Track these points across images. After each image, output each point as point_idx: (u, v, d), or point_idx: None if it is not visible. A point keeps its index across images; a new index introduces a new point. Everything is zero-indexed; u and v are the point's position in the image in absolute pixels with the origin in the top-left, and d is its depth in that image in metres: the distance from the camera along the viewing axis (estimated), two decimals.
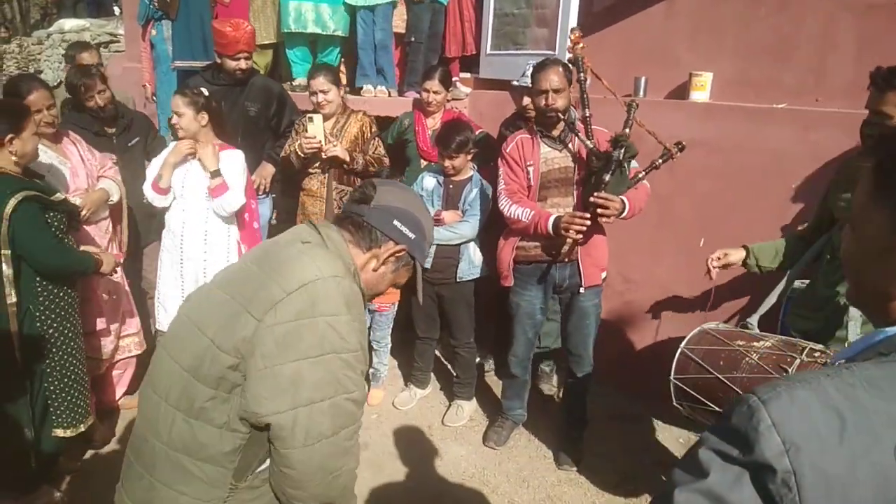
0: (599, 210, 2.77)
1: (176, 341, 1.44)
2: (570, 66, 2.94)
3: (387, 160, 3.91)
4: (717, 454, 0.75)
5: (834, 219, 2.42)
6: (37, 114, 2.89)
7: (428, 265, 3.35)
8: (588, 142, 2.88)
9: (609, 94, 2.91)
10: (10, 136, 2.55)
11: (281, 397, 1.29)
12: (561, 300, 3.26)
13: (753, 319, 2.47)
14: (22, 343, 2.64)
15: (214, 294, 1.44)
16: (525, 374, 3.43)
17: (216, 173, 3.27)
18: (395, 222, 1.47)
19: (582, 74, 2.84)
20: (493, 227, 3.51)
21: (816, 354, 2.02)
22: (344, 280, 1.40)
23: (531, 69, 3.50)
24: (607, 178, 2.77)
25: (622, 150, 2.72)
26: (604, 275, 3.16)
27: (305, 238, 1.45)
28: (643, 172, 2.85)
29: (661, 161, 2.77)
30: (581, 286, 3.07)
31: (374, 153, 3.82)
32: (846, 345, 2.16)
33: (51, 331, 2.72)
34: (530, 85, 3.47)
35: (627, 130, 2.80)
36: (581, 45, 2.82)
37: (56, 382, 2.77)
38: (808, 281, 2.54)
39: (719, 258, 2.64)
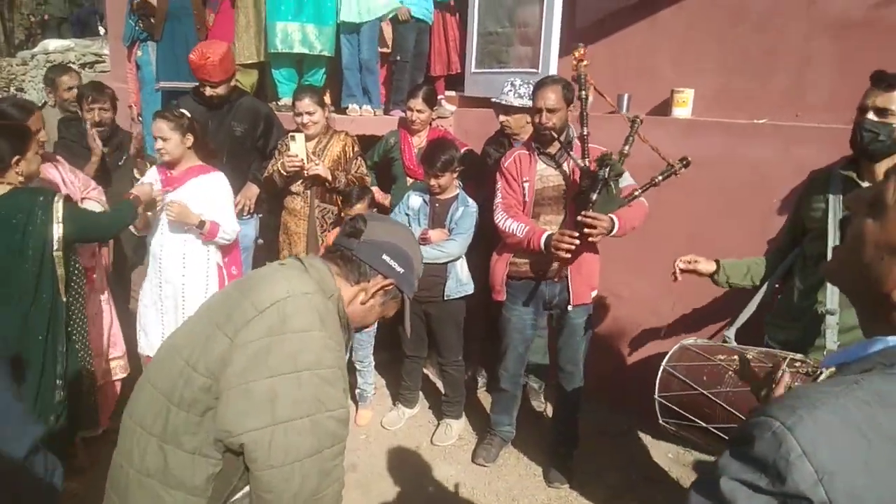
0: (587, 229, 2.78)
1: (156, 366, 1.44)
2: (571, 84, 2.96)
3: (369, 179, 3.93)
4: (742, 484, 0.73)
5: (806, 229, 2.43)
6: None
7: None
8: (579, 161, 2.90)
9: (611, 110, 2.93)
10: (16, 157, 2.61)
11: (255, 415, 1.27)
12: (551, 317, 3.28)
13: (731, 333, 2.48)
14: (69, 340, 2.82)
15: (194, 318, 1.45)
16: (515, 388, 3.43)
17: (202, 224, 3.24)
18: (385, 256, 1.48)
19: (583, 92, 2.85)
20: (483, 243, 3.52)
21: (798, 364, 2.03)
22: (315, 296, 1.39)
23: (509, 87, 3.54)
24: (594, 196, 2.78)
25: (608, 169, 2.74)
26: (594, 293, 3.17)
27: (285, 263, 1.47)
28: (640, 190, 2.84)
29: (660, 178, 2.76)
30: (570, 303, 3.08)
31: (356, 172, 3.84)
32: (825, 353, 2.18)
33: (81, 334, 2.96)
34: (510, 104, 3.52)
35: (627, 148, 2.81)
36: (585, 62, 2.83)
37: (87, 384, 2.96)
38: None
39: (688, 262, 2.62)
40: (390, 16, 4.57)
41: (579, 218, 2.79)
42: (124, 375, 3.54)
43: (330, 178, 3.70)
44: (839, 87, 3.18)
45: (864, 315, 0.88)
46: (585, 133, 2.89)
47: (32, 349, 2.68)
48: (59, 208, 2.65)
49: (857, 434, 0.69)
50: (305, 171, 3.68)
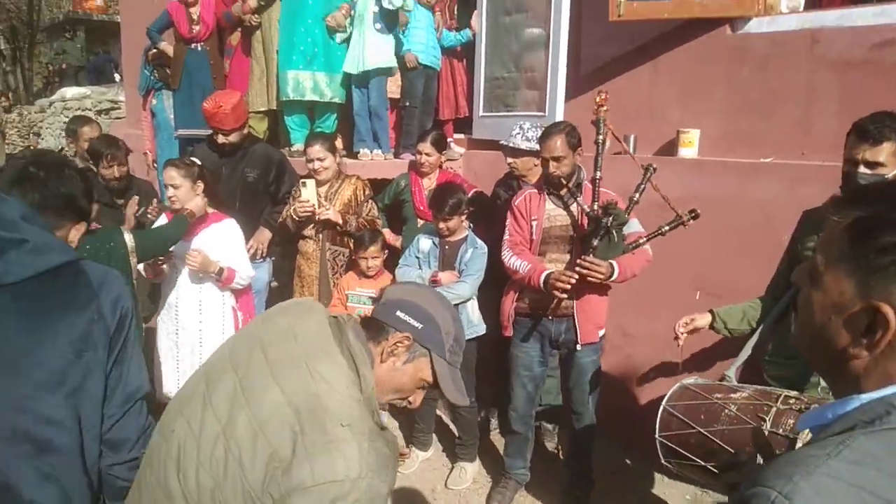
0: (585, 273, 2.84)
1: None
2: (575, 130, 3.03)
3: (380, 222, 3.98)
4: None
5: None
6: None
7: None
8: (585, 206, 2.96)
9: (619, 150, 2.98)
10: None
11: None
12: (560, 356, 3.28)
13: (731, 372, 2.49)
14: None
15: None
16: (527, 430, 3.41)
17: (220, 272, 3.30)
18: (398, 313, 1.46)
19: (601, 137, 2.93)
20: (494, 283, 3.55)
21: (791, 401, 2.05)
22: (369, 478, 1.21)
23: (518, 130, 3.61)
24: (595, 242, 2.85)
25: (611, 218, 2.81)
26: (601, 332, 3.19)
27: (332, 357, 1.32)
28: (645, 238, 2.92)
29: (667, 228, 2.82)
30: (577, 343, 3.10)
31: (367, 215, 3.90)
32: (819, 389, 2.21)
33: None
34: (518, 147, 3.59)
35: (637, 196, 2.89)
36: (605, 107, 2.91)
37: None
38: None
39: (686, 324, 2.65)
40: (394, 71, 4.70)
41: (578, 262, 2.86)
42: None
43: (341, 221, 3.76)
44: (843, 126, 3.20)
45: (830, 377, 0.89)
46: (598, 177, 2.95)
47: None
48: (129, 240, 2.78)
49: (855, 498, 0.70)
50: (317, 216, 3.75)
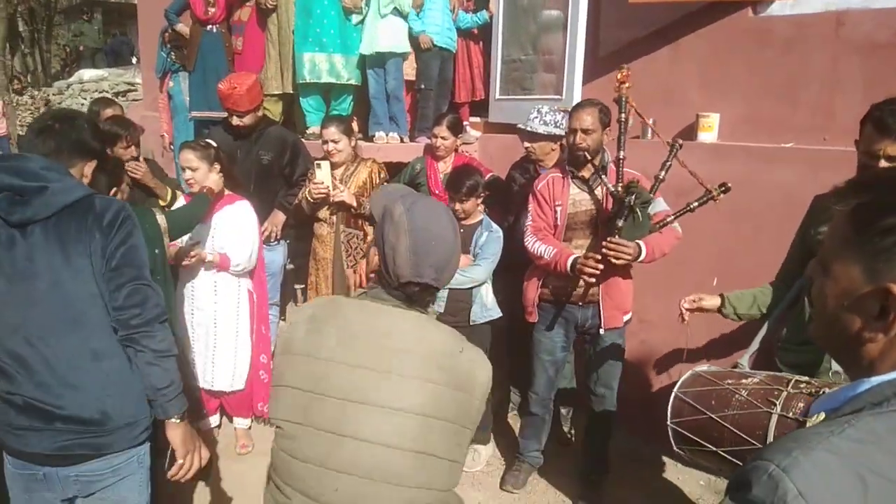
0: (611, 255, 2.79)
1: None
2: (608, 108, 2.97)
3: None
4: None
5: (812, 254, 2.42)
6: None
7: (441, 309, 3.37)
8: (610, 185, 2.90)
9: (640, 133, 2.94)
10: (113, 189, 2.76)
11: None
12: (585, 340, 3.26)
13: (744, 360, 2.47)
14: None
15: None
16: (545, 413, 3.41)
17: (209, 263, 3.35)
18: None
19: (623, 115, 2.85)
20: (509, 268, 3.54)
21: (802, 386, 2.04)
22: None
23: (535, 114, 3.58)
24: (620, 223, 2.80)
25: (633, 197, 2.75)
26: (626, 317, 3.15)
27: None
28: (672, 217, 2.84)
29: (696, 204, 2.75)
30: (601, 327, 3.08)
31: (365, 194, 3.82)
32: (831, 374, 2.20)
33: None
34: (535, 131, 3.55)
35: (663, 174, 2.81)
36: (627, 84, 2.83)
37: None
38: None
39: (693, 301, 2.62)
40: (407, 55, 4.67)
41: (604, 244, 2.81)
42: None
43: (355, 204, 3.75)
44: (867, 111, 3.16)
45: (847, 364, 0.90)
46: (622, 157, 2.87)
47: None
48: (162, 220, 2.85)
49: (853, 474, 0.70)
50: (331, 198, 3.74)
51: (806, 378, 2.11)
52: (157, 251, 2.84)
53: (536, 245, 3.07)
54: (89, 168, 2.07)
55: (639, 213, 2.77)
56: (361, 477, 1.26)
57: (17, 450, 1.89)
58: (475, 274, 3.41)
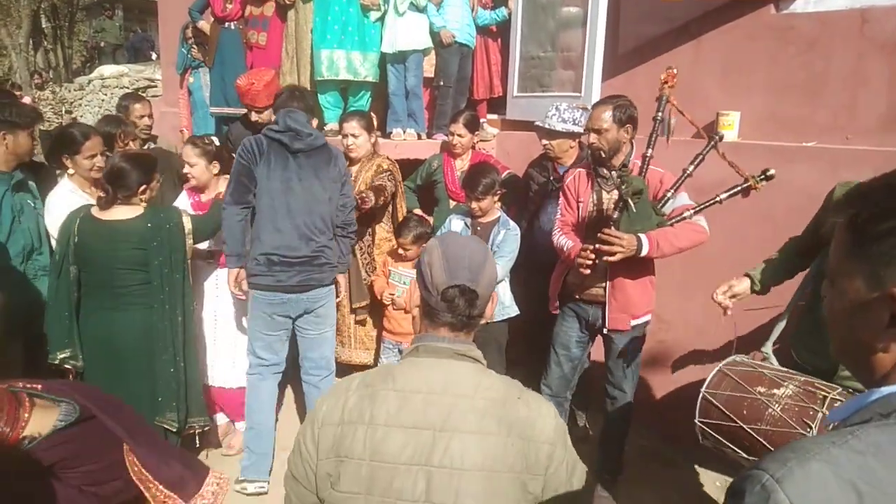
0: (604, 247, 2.74)
1: None
2: (624, 105, 2.91)
3: (388, 187, 3.84)
4: None
5: (823, 236, 2.42)
6: (92, 158, 3.22)
7: None
8: (614, 176, 2.84)
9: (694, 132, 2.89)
10: (143, 187, 2.88)
11: None
12: (604, 341, 3.23)
13: (767, 348, 2.47)
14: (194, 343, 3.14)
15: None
16: (560, 411, 3.39)
17: (210, 254, 3.45)
18: None
19: (660, 114, 2.81)
20: (529, 265, 3.53)
21: (837, 405, 2.00)
22: None
23: (554, 111, 3.56)
24: (615, 215, 2.76)
25: (623, 186, 2.69)
26: (635, 321, 3.06)
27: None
28: (692, 211, 2.77)
29: (724, 195, 2.68)
30: (605, 328, 3.05)
31: (377, 183, 3.79)
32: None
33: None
34: (553, 128, 3.53)
35: (692, 168, 2.76)
36: (670, 84, 2.77)
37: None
38: None
39: (725, 292, 2.60)
40: (429, 51, 4.68)
41: (598, 235, 2.76)
42: None
43: (358, 200, 3.75)
44: (892, 110, 3.12)
45: (862, 377, 0.88)
46: (649, 154, 2.81)
47: (175, 350, 2.95)
48: (187, 223, 2.95)
49: (848, 487, 0.68)
50: None
51: (840, 391, 2.08)
52: (178, 251, 2.90)
53: (559, 238, 3.08)
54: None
55: (631, 203, 2.69)
56: None
57: (269, 285, 3.13)
58: None
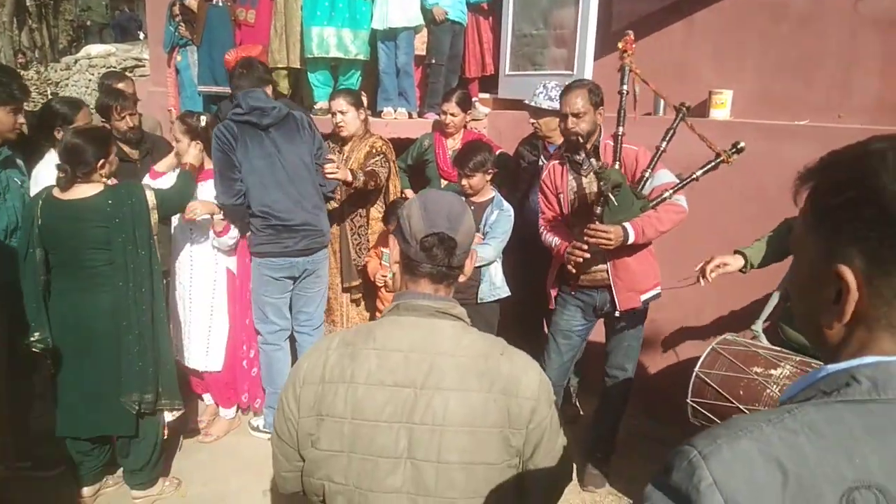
0: (593, 242, 2.76)
1: None
2: (598, 88, 2.90)
3: (383, 172, 3.79)
4: None
5: None
6: None
7: None
8: (595, 166, 2.82)
9: (649, 111, 2.89)
10: (101, 161, 2.80)
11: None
12: (605, 322, 3.23)
13: (758, 326, 2.47)
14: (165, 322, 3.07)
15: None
16: (557, 398, 3.39)
17: (220, 222, 3.40)
18: None
19: (625, 87, 2.76)
20: (519, 245, 3.52)
21: None
22: None
23: (541, 89, 3.53)
24: (598, 210, 2.76)
25: (601, 183, 2.69)
26: (645, 296, 3.05)
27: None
28: (671, 191, 2.77)
29: (700, 172, 2.68)
30: (617, 311, 3.03)
31: (370, 167, 3.75)
32: None
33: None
34: (540, 106, 3.50)
35: (665, 144, 2.76)
36: (629, 52, 2.71)
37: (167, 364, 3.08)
38: None
39: (718, 266, 2.61)
40: (420, 28, 4.63)
41: (585, 231, 2.78)
42: None
43: (350, 178, 3.70)
44: (885, 88, 3.11)
45: (817, 348, 0.87)
46: (621, 133, 2.80)
47: (140, 329, 2.88)
48: (151, 197, 2.89)
49: (774, 466, 0.67)
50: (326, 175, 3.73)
51: None
52: (143, 227, 2.84)
53: (547, 236, 3.09)
54: None
55: (612, 198, 2.70)
56: (417, 494, 1.27)
57: (278, 252, 3.41)
58: (484, 253, 3.39)
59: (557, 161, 3.09)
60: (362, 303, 4.08)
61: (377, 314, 3.88)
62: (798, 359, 2.21)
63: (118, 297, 2.82)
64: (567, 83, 3.04)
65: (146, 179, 3.45)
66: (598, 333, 3.34)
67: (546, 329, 3.46)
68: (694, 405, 2.30)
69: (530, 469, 1.34)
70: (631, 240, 2.78)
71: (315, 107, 4.70)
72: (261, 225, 3.39)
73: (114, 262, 2.80)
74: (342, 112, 3.74)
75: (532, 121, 3.62)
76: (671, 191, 2.78)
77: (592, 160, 2.86)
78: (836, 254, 0.76)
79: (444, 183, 4.06)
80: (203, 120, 3.44)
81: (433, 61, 4.68)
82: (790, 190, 0.85)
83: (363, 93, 4.61)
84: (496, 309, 3.58)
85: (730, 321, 3.53)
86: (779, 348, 2.34)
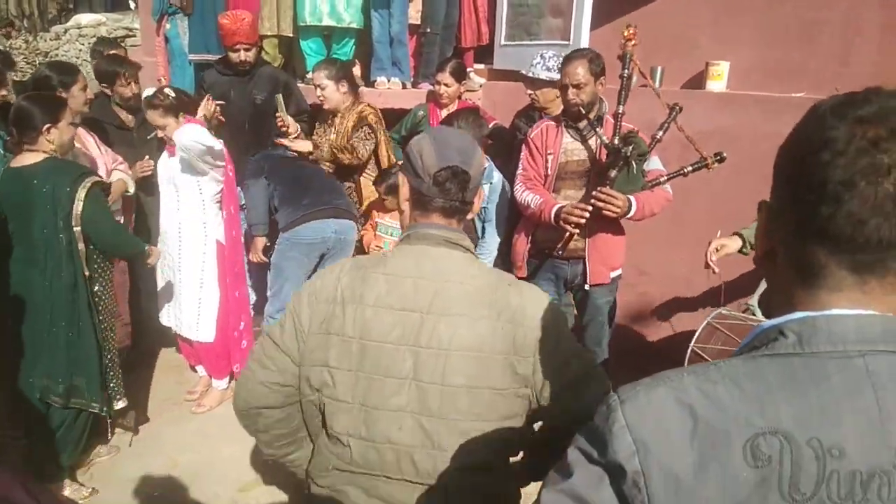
0: (601, 206, 2.73)
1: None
2: (599, 56, 2.87)
3: (360, 150, 3.72)
4: (581, 454, 0.76)
5: None
6: (84, 90, 3.28)
7: None
8: (604, 137, 2.82)
9: (643, 83, 2.86)
10: (47, 125, 2.67)
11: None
12: (574, 296, 3.23)
13: (754, 301, 2.46)
14: (93, 315, 2.87)
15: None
16: None
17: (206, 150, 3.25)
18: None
19: (626, 71, 2.75)
20: (512, 218, 3.50)
21: None
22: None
23: (539, 59, 3.48)
24: (613, 174, 2.73)
25: (630, 148, 2.67)
26: (614, 273, 3.06)
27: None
28: (666, 178, 2.78)
29: (690, 169, 2.70)
30: (587, 283, 3.02)
31: (347, 142, 3.72)
32: None
33: (106, 307, 2.94)
34: (538, 77, 3.46)
35: (661, 134, 2.75)
36: (633, 41, 2.73)
37: (110, 355, 2.97)
38: None
39: (717, 249, 2.61)
40: None
41: (594, 193, 2.74)
42: (128, 343, 3.80)
43: (311, 149, 3.72)
44: (884, 59, 3.08)
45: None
46: (621, 112, 2.79)
47: (52, 316, 2.77)
48: (85, 186, 2.69)
49: (685, 412, 0.69)
50: (289, 136, 3.77)
51: None
52: (62, 216, 2.68)
53: (524, 194, 3.01)
54: None
55: (634, 165, 2.69)
56: (420, 414, 1.31)
57: (322, 216, 3.46)
58: (490, 246, 3.39)
59: (552, 122, 3.05)
60: None
61: None
62: None
63: (43, 275, 2.73)
64: (567, 53, 2.99)
65: (163, 156, 3.42)
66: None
67: None
68: None
69: (544, 395, 1.35)
70: (632, 213, 2.77)
71: (307, 76, 4.62)
72: (300, 203, 3.49)
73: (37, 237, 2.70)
74: (321, 87, 3.70)
75: (529, 92, 3.57)
76: (665, 178, 2.79)
77: (599, 129, 2.85)
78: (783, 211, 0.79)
79: None
80: (169, 92, 3.29)
81: (428, 30, 4.60)
82: None
83: (357, 62, 4.54)
84: None
85: (720, 292, 3.52)
86: None
